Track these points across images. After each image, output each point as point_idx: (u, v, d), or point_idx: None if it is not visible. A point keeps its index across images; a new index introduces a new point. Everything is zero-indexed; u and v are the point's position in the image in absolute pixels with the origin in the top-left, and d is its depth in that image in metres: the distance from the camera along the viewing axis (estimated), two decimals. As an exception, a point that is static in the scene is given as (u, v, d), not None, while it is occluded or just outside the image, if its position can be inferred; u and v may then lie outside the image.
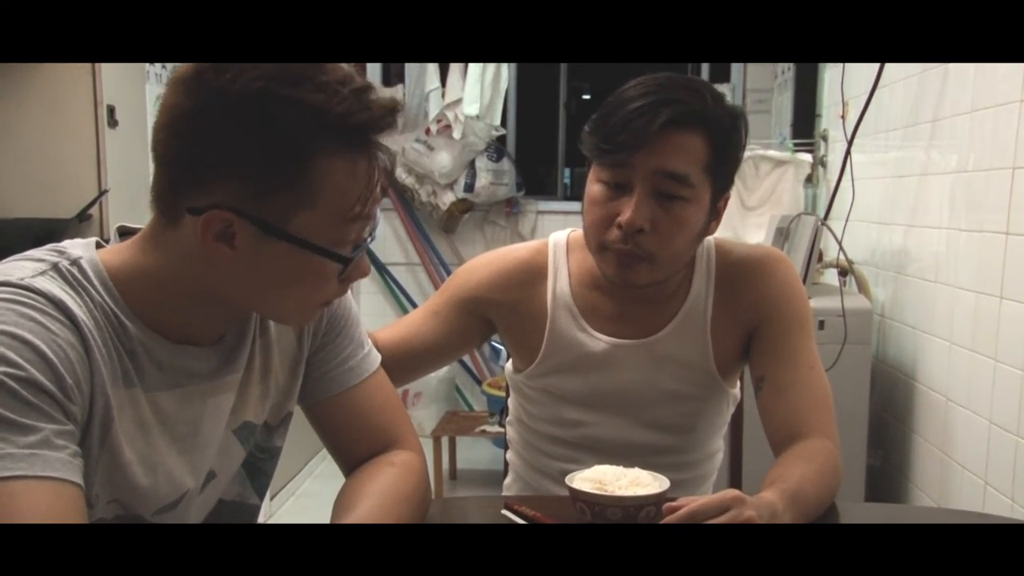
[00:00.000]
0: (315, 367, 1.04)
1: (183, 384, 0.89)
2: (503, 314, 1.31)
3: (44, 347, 0.75)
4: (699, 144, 1.13)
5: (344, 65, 0.82)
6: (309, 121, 0.78)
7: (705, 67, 4.14)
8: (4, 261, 0.83)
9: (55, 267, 0.82)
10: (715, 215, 1.21)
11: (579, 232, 1.30)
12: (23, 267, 0.81)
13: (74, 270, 0.83)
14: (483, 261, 1.33)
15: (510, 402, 1.42)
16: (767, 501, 0.96)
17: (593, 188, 1.18)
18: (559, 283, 1.29)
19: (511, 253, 1.33)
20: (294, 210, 0.80)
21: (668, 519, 0.90)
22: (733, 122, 1.16)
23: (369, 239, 0.88)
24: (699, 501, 0.90)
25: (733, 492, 0.92)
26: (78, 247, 0.86)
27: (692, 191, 1.14)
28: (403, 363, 1.26)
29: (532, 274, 1.30)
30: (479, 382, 4.10)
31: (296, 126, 0.78)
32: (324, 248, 0.83)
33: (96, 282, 0.83)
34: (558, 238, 1.33)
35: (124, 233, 0.91)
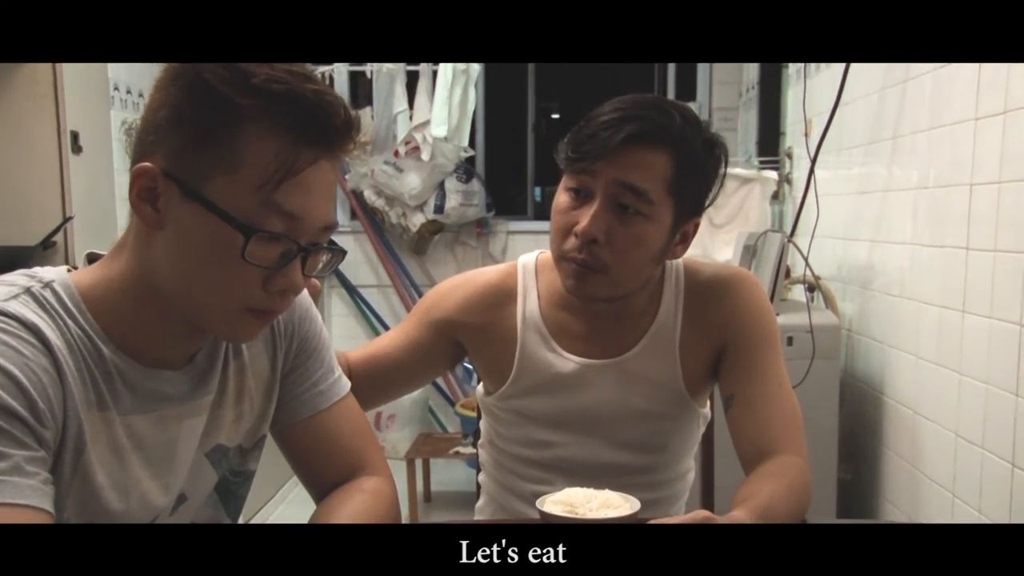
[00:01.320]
0: (286, 390, 1.04)
1: (157, 408, 0.89)
2: (473, 337, 1.31)
3: (16, 372, 0.75)
4: (662, 162, 1.14)
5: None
6: (234, 78, 0.79)
7: (671, 83, 4.20)
8: None
9: (28, 291, 0.82)
10: (683, 240, 1.22)
11: (548, 253, 1.31)
12: None
13: (47, 293, 0.83)
14: (452, 284, 1.33)
15: (481, 424, 1.42)
16: (737, 520, 0.97)
17: (560, 197, 1.20)
18: (528, 304, 1.30)
19: (480, 276, 1.33)
20: (213, 172, 0.80)
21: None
22: (707, 148, 1.18)
23: (302, 248, 0.84)
24: (670, 522, 0.91)
25: (703, 513, 0.93)
26: (51, 271, 0.86)
27: (651, 208, 1.15)
28: (373, 384, 1.26)
29: (501, 296, 1.31)
30: (452, 403, 4.09)
31: (221, 81, 0.79)
32: (226, 212, 0.80)
33: (70, 305, 0.83)
34: (527, 260, 1.34)
35: (93, 260, 0.91)
